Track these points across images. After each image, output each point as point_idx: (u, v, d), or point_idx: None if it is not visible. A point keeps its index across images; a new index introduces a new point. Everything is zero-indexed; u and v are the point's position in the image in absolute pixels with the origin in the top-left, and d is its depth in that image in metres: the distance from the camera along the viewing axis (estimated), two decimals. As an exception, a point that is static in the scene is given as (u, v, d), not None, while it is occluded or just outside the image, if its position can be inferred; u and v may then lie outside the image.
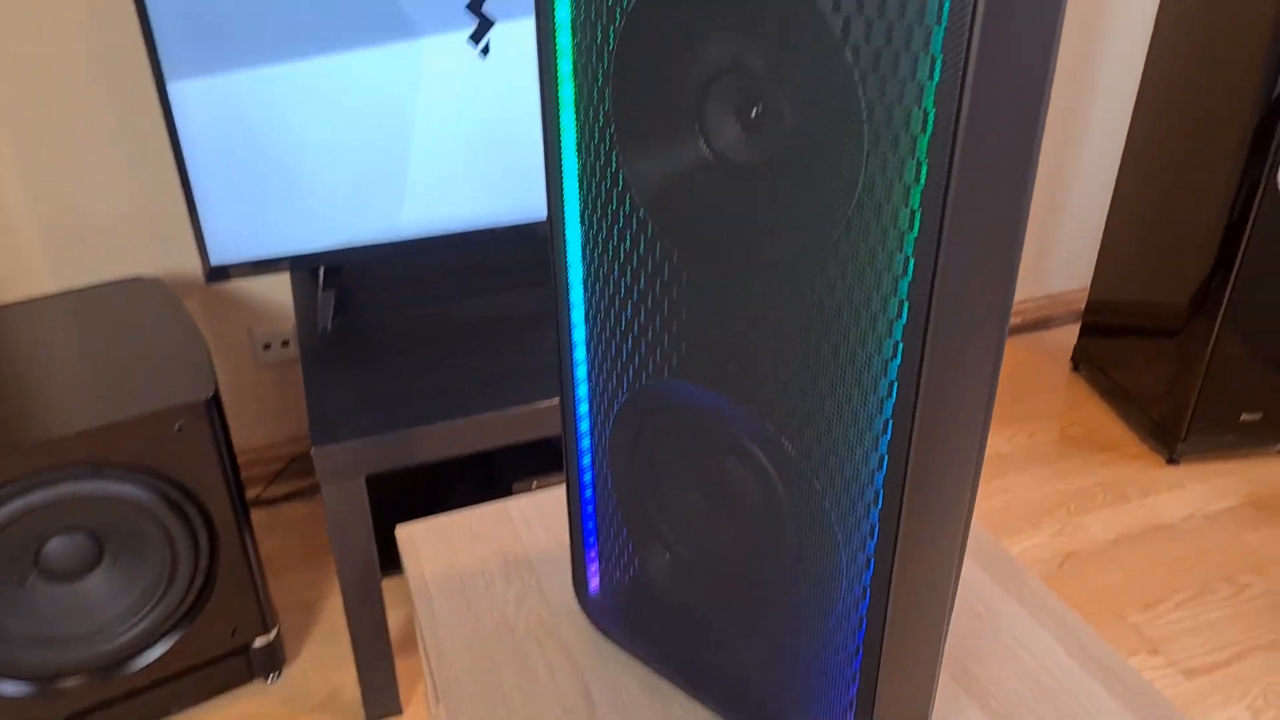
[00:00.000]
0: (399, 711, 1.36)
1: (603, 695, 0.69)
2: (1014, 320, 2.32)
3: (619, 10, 0.52)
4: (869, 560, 0.55)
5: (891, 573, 0.54)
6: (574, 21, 0.55)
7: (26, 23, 1.33)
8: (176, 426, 1.08)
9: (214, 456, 1.12)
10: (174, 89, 1.12)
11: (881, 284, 0.47)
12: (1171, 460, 1.85)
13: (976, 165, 0.44)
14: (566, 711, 0.68)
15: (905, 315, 0.47)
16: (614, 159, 0.56)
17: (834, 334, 0.50)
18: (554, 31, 0.56)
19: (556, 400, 1.19)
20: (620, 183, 0.57)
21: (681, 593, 0.67)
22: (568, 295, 0.64)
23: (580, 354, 0.66)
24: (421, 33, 1.20)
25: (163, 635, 1.20)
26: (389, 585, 1.49)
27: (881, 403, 0.50)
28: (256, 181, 1.21)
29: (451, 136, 1.27)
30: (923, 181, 0.44)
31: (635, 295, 0.60)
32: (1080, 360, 2.13)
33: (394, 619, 1.51)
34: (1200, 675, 1.42)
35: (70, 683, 1.18)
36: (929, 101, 0.43)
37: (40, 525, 1.09)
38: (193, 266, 1.55)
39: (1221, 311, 1.70)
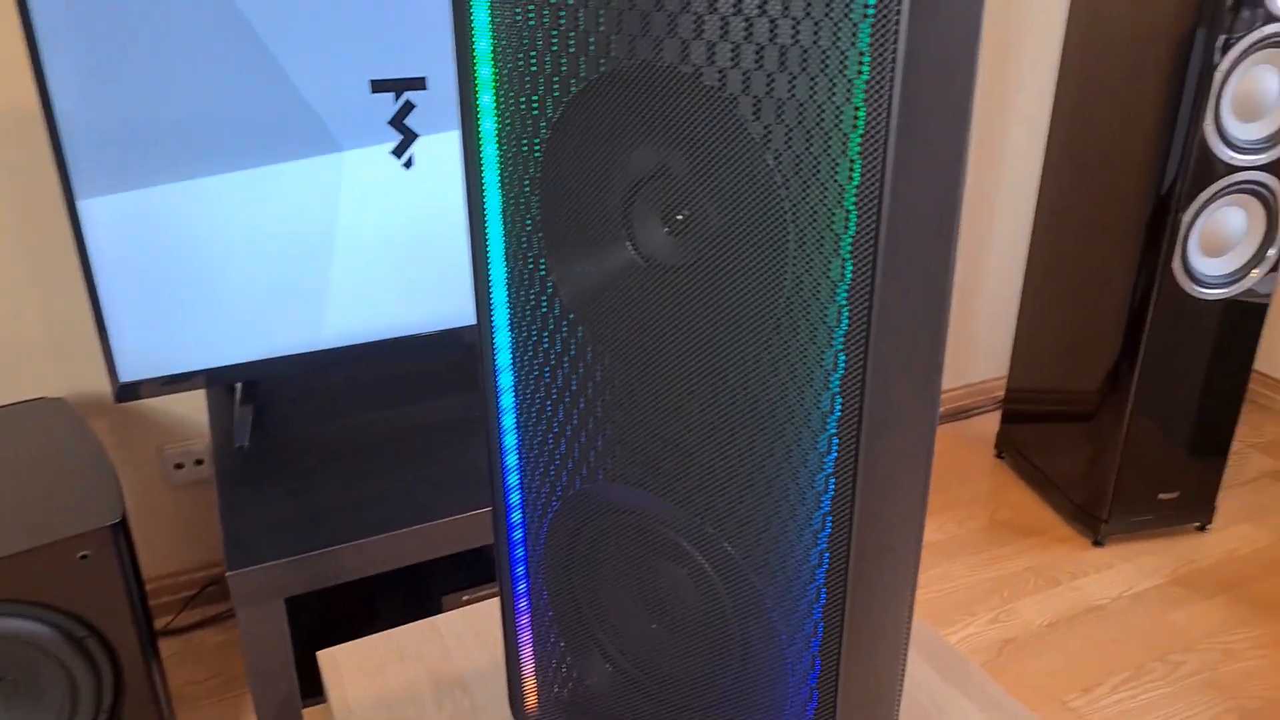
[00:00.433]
0: None
1: (545, 823, 0.65)
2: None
3: (544, 123, 0.53)
4: (815, 659, 0.54)
5: (838, 671, 0.53)
6: (499, 133, 0.56)
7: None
8: (80, 555, 1.02)
9: (120, 586, 1.05)
10: (84, 206, 1.10)
11: (814, 380, 0.48)
12: (1097, 542, 1.89)
13: (899, 260, 0.45)
14: (507, 844, 0.64)
15: (839, 409, 0.48)
16: (542, 265, 0.56)
17: (769, 432, 0.50)
18: (479, 143, 0.57)
19: (485, 509, 1.16)
20: (549, 288, 0.57)
21: (624, 706, 0.64)
22: (498, 402, 0.63)
23: (512, 461, 0.65)
24: (344, 147, 1.20)
25: (60, 785, 1.10)
26: (310, 715, 1.41)
27: (819, 498, 0.50)
28: (169, 296, 1.18)
29: (374, 246, 1.27)
30: (848, 278, 0.45)
31: (567, 399, 0.59)
32: (1003, 447, 2.18)
33: (317, 751, 1.42)
34: (1144, 759, 1.42)
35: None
36: (850, 202, 0.44)
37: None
38: (100, 385, 1.49)
39: (1131, 396, 1.76)
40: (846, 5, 0.41)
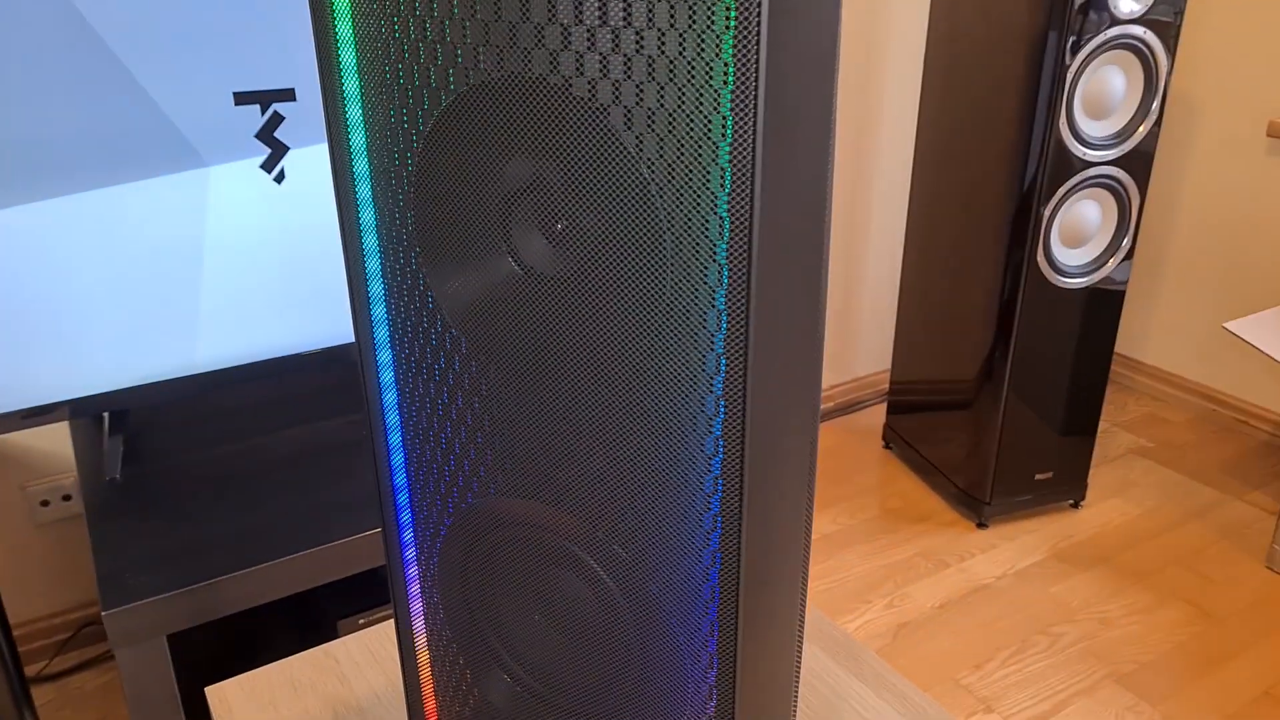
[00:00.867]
0: None
1: (451, 846, 0.64)
2: (826, 405, 2.44)
3: (414, 135, 0.52)
4: (712, 658, 0.55)
5: (735, 668, 0.54)
6: (370, 147, 0.55)
7: None
8: (-64, 606, 0.95)
9: (-15, 636, 0.99)
10: (-73, 230, 1.02)
11: (697, 384, 0.48)
12: (981, 524, 1.98)
13: (774, 262, 0.46)
14: None
15: (723, 411, 0.48)
16: (421, 280, 0.56)
17: (656, 437, 0.50)
18: (350, 158, 0.56)
19: (376, 530, 1.14)
20: (429, 303, 0.56)
21: (526, 718, 0.64)
22: (383, 421, 0.61)
23: (401, 480, 0.63)
24: (208, 162, 1.16)
25: None
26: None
27: (708, 500, 0.51)
28: (24, 325, 1.11)
29: (246, 264, 1.22)
30: (725, 283, 0.46)
31: (454, 415, 0.58)
32: (889, 438, 2.25)
33: (212, 793, 1.36)
34: (1032, 727, 1.50)
35: None
36: (723, 209, 0.45)
37: None
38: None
39: (1006, 382, 1.85)
40: (709, 17, 0.42)
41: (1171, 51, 1.65)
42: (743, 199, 0.44)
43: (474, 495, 0.60)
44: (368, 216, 0.57)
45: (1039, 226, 1.73)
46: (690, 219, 0.45)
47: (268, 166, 1.19)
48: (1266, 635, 1.66)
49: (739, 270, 0.45)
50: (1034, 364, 1.86)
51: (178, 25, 1.10)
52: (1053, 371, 1.88)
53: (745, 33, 0.41)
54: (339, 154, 0.56)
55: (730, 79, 0.43)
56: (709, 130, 0.44)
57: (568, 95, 0.47)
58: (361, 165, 0.56)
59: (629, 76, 0.45)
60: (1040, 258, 1.76)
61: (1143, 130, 1.70)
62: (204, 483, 1.21)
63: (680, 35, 0.43)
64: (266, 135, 1.18)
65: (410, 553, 0.66)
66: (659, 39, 0.43)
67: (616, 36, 0.44)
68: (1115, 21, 1.61)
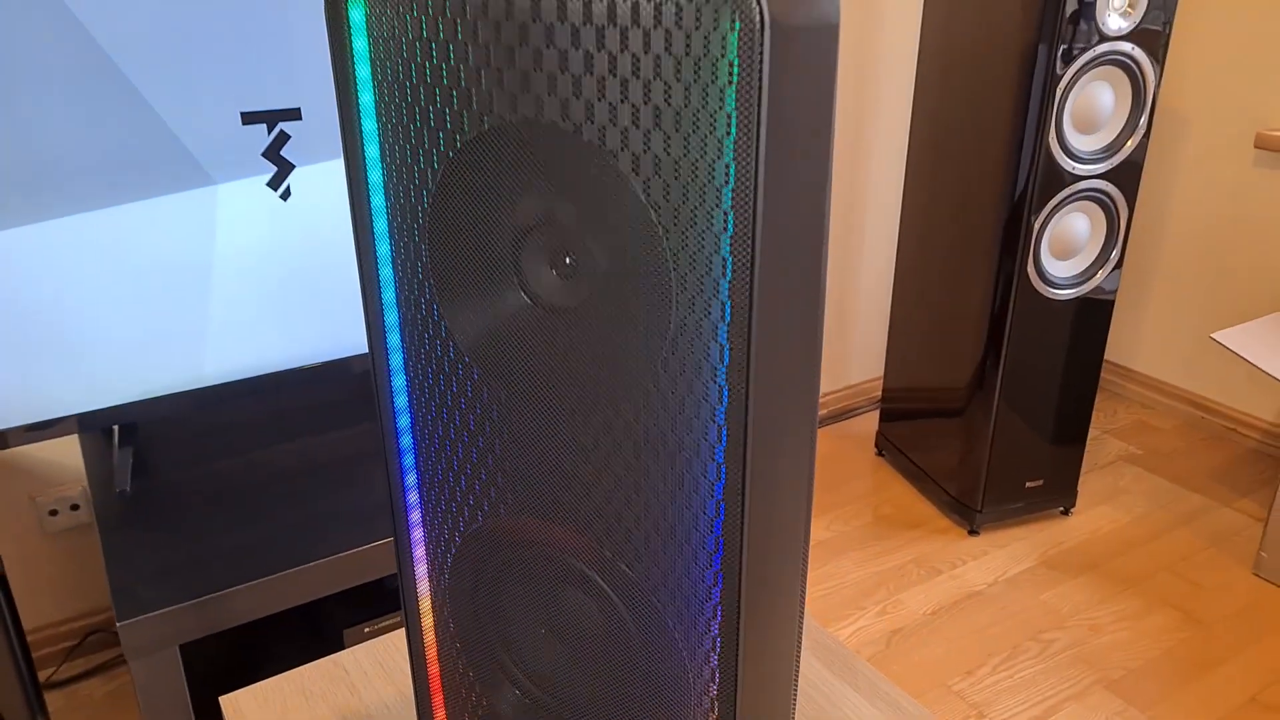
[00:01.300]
0: None
1: None
2: (820, 412, 2.47)
3: (430, 173, 0.55)
4: (714, 672, 0.57)
5: (736, 680, 0.56)
6: (386, 183, 0.57)
7: None
8: (-46, 617, 0.97)
9: (4, 649, 1.01)
10: (-58, 248, 1.05)
11: (701, 412, 0.51)
12: (972, 531, 2.01)
13: (773, 299, 0.49)
14: None
15: (725, 439, 0.51)
16: (435, 310, 0.58)
17: (661, 461, 0.53)
18: (368, 193, 0.58)
19: (381, 542, 1.16)
20: (443, 331, 0.58)
21: (534, 730, 0.66)
22: (397, 442, 0.64)
23: (413, 499, 0.66)
24: (216, 180, 1.18)
25: None
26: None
27: (711, 522, 0.53)
28: (38, 340, 1.14)
29: (253, 279, 1.24)
30: (728, 319, 0.49)
31: (466, 437, 0.61)
32: (882, 445, 2.28)
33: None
34: (1022, 732, 1.53)
35: None
36: (726, 249, 0.47)
37: None
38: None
39: (998, 391, 1.89)
40: (713, 71, 0.45)
41: (1159, 66, 1.69)
42: (744, 240, 0.47)
43: (485, 515, 0.62)
44: (384, 249, 0.59)
45: (1029, 238, 1.76)
46: (695, 258, 0.48)
47: (274, 184, 1.22)
48: (1253, 641, 1.70)
49: (740, 307, 0.48)
50: (1025, 373, 1.89)
51: (187, 47, 1.12)
52: (1043, 380, 1.91)
53: (747, 87, 0.44)
54: (357, 188, 0.58)
55: (733, 130, 0.45)
56: (712, 176, 0.46)
57: (578, 140, 0.49)
58: (379, 200, 0.58)
59: (637, 125, 0.47)
60: (1030, 269, 1.79)
61: (1130, 145, 1.73)
62: (212, 494, 1.24)
63: (685, 88, 0.46)
64: (273, 154, 1.21)
65: (422, 569, 0.68)
66: (665, 91, 0.46)
67: (625, 87, 0.47)
68: (1104, 38, 1.65)
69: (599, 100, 0.48)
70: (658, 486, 0.54)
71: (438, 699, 0.72)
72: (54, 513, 1.50)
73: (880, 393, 2.36)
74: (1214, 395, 2.41)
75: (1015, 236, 1.77)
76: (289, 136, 1.21)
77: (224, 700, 0.81)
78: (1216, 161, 2.30)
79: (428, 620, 0.70)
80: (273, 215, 1.23)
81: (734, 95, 0.45)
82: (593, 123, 0.48)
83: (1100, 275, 1.84)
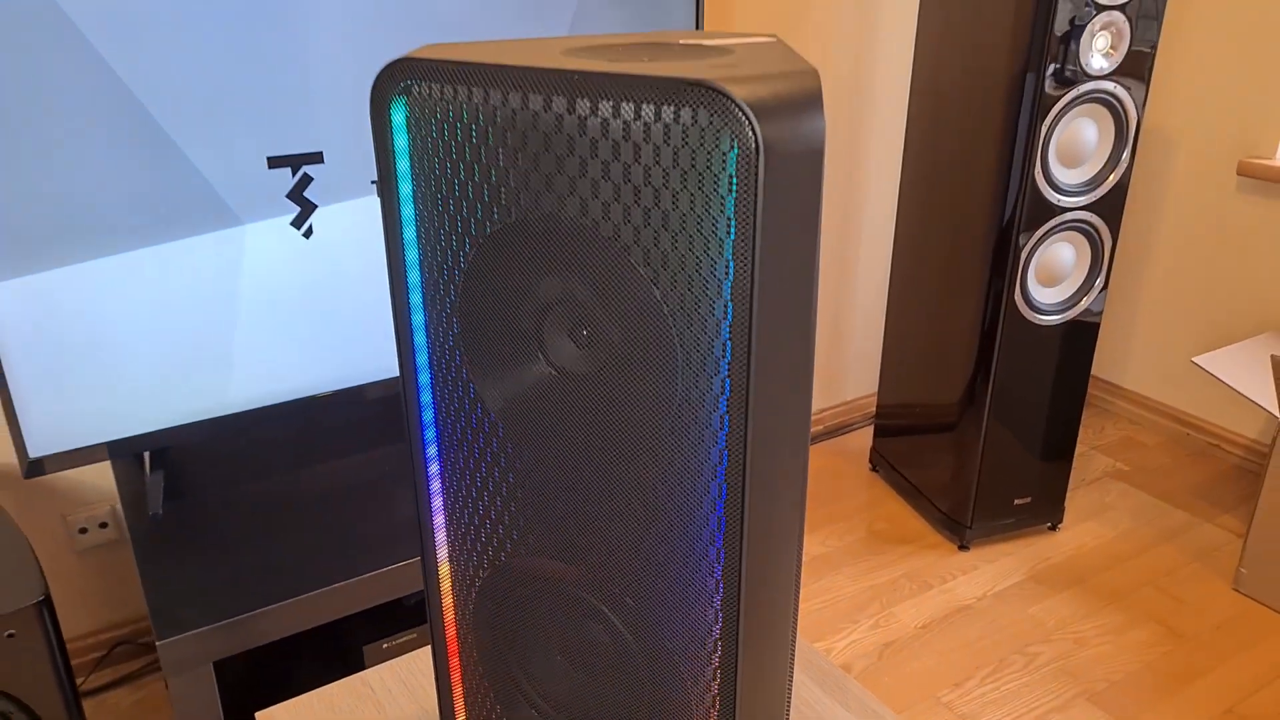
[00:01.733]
0: None
1: None
2: (816, 428, 2.53)
3: (461, 255, 0.62)
4: (715, 699, 0.64)
5: (735, 706, 0.63)
6: (422, 261, 0.64)
7: None
8: (7, 634, 1.04)
9: (46, 660, 1.07)
10: (-10, 290, 1.11)
11: (702, 472, 0.58)
12: (963, 547, 2.07)
13: (768, 375, 0.55)
14: None
15: (725, 494, 0.58)
16: (464, 374, 0.65)
17: (669, 514, 0.60)
18: (405, 269, 0.65)
19: (403, 563, 1.23)
20: (471, 392, 0.65)
21: (550, 748, 0.73)
22: (427, 488, 0.71)
23: (441, 538, 0.73)
24: (244, 220, 1.25)
25: None
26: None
27: (712, 567, 0.60)
28: (75, 372, 1.20)
29: (277, 312, 1.31)
30: (728, 392, 0.56)
31: (491, 485, 0.67)
32: (876, 461, 2.35)
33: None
34: (1007, 743, 1.60)
35: None
36: (726, 334, 0.54)
37: None
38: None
39: (987, 409, 1.95)
40: (715, 183, 0.52)
41: (1143, 99, 1.76)
42: (742, 326, 0.53)
43: (507, 554, 0.69)
44: (419, 319, 0.66)
45: (1015, 267, 1.83)
46: (698, 340, 0.55)
47: (297, 223, 1.29)
48: (1232, 655, 1.76)
49: (739, 382, 0.55)
50: (1013, 392, 1.96)
51: (218, 97, 1.19)
52: (1032, 399, 1.98)
53: (744, 197, 0.51)
54: (395, 265, 0.65)
55: (732, 232, 0.52)
56: (714, 270, 0.53)
57: (595, 235, 0.56)
58: (414, 277, 0.65)
59: (648, 224, 0.54)
60: (1017, 296, 1.86)
61: (1113, 178, 1.80)
62: (241, 517, 1.30)
63: (691, 195, 0.53)
64: (296, 195, 1.28)
65: (448, 600, 0.75)
66: (673, 197, 0.53)
67: (638, 193, 0.54)
68: (1088, 77, 1.72)
69: (614, 202, 0.55)
70: (664, 534, 0.60)
71: (460, 716, 0.78)
72: (84, 530, 1.57)
73: (874, 409, 2.43)
74: (1198, 412, 2.48)
75: (1003, 263, 1.84)
76: (311, 179, 1.28)
77: (260, 716, 0.87)
78: (1201, 186, 2.37)
79: (453, 645, 0.76)
80: (296, 252, 1.29)
81: (733, 203, 0.52)
82: (608, 220, 0.55)
83: (1084, 302, 1.91)
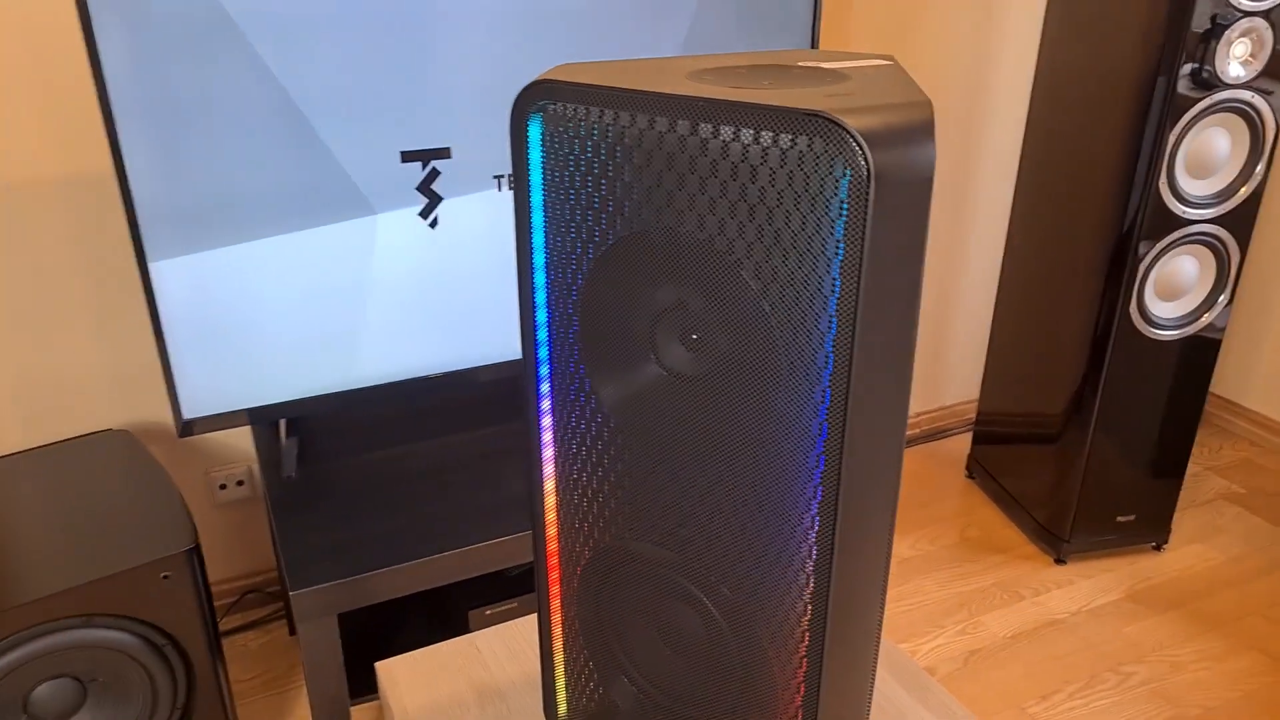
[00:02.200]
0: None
1: (577, 814, 0.79)
2: (913, 431, 2.52)
3: (584, 261, 0.67)
4: (800, 685, 0.68)
5: (819, 692, 0.67)
6: (548, 263, 0.70)
7: (8, 202, 1.43)
8: (162, 576, 1.16)
9: (194, 600, 1.19)
10: (154, 268, 1.23)
11: (800, 473, 0.62)
12: (1059, 560, 2.04)
13: (867, 388, 0.59)
14: (546, 830, 0.77)
15: (820, 496, 0.62)
16: (581, 369, 0.71)
17: (766, 509, 0.64)
18: (533, 270, 0.71)
19: (511, 536, 1.30)
20: (587, 387, 0.71)
21: (641, 716, 0.78)
22: (542, 471, 0.77)
23: (553, 517, 0.79)
24: (377, 210, 1.34)
25: (144, 770, 1.25)
26: (356, 713, 1.55)
27: (805, 561, 0.64)
28: (224, 344, 1.32)
29: (402, 297, 1.40)
30: (828, 401, 0.59)
31: (600, 473, 0.73)
32: (973, 468, 2.33)
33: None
34: (1093, 760, 1.58)
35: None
36: (829, 347, 0.58)
37: (30, 674, 1.15)
38: (149, 417, 1.62)
39: (1093, 422, 1.91)
40: (826, 206, 0.55)
41: None
42: (845, 340, 0.57)
43: (611, 537, 0.75)
44: (542, 316, 0.72)
45: (1133, 280, 1.79)
46: (802, 351, 0.59)
47: (424, 214, 1.37)
48: (1341, 691, 1.70)
49: (839, 393, 0.58)
50: (1123, 404, 1.91)
51: (358, 96, 1.28)
52: (1142, 413, 1.93)
53: (854, 220, 0.55)
54: (524, 265, 0.71)
55: (840, 252, 0.56)
56: (820, 287, 0.57)
57: (710, 249, 0.60)
58: (540, 278, 0.71)
59: (760, 241, 0.58)
60: (1133, 309, 1.81)
61: (1245, 192, 1.74)
62: (364, 484, 1.41)
63: (803, 216, 0.56)
64: (425, 188, 1.36)
65: (555, 575, 0.81)
66: (786, 217, 0.57)
67: (752, 211, 0.58)
68: (1223, 85, 1.66)
69: (730, 219, 0.59)
70: (761, 530, 0.65)
71: (560, 683, 0.85)
72: (223, 486, 1.71)
73: (974, 415, 2.40)
74: (1326, 438, 2.37)
75: (1119, 275, 1.80)
76: (439, 173, 1.36)
77: (380, 666, 0.95)
78: (1343, 201, 2.25)
79: (556, 617, 0.83)
80: (422, 242, 1.38)
81: (843, 226, 0.55)
82: (723, 235, 0.60)
83: (1206, 318, 1.85)
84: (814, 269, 0.57)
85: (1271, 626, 1.86)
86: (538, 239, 0.70)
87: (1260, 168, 1.72)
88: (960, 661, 1.77)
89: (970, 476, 2.33)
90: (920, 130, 0.57)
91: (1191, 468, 2.40)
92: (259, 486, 1.74)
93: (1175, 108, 1.66)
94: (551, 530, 0.79)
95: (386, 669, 0.95)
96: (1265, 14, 1.62)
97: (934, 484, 2.31)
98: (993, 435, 2.23)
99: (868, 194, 0.54)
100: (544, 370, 0.73)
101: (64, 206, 1.46)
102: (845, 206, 0.55)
